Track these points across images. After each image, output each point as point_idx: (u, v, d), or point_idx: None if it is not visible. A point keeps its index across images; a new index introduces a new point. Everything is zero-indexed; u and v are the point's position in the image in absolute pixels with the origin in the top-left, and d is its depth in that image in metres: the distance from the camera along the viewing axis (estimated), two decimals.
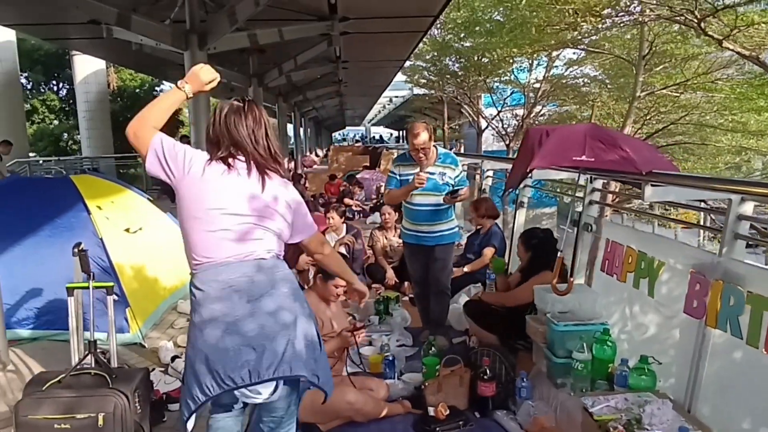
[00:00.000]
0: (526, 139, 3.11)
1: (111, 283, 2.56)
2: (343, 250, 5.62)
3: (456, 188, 3.79)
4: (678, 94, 13.65)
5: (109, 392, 2.09)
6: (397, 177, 3.90)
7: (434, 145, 3.85)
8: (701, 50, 12.79)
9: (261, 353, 1.78)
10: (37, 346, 4.08)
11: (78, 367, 2.21)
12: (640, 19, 11.04)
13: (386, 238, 5.76)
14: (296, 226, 2.05)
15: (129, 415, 2.09)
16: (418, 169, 3.73)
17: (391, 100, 43.20)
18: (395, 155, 4.58)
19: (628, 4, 10.69)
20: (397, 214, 5.60)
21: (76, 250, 2.52)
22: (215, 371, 1.77)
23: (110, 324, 2.57)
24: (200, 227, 1.88)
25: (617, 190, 10.98)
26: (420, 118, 39.18)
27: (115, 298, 2.58)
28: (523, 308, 3.44)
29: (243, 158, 1.93)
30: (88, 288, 2.44)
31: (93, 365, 2.22)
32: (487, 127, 21.53)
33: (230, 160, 1.91)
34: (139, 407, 2.17)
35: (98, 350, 2.32)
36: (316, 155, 29.18)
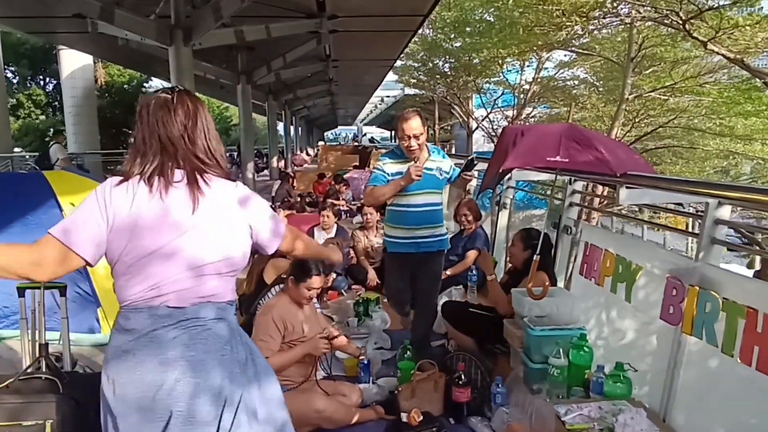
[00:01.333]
0: (501, 138, 3.06)
1: (63, 284, 2.47)
2: None
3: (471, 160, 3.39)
4: (666, 97, 13.71)
5: (58, 398, 1.99)
6: (385, 175, 3.33)
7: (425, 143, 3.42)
8: (690, 54, 12.87)
9: None
10: (4, 346, 3.97)
11: (28, 371, 2.11)
12: (627, 20, 11.07)
13: (367, 238, 5.69)
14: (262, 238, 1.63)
15: (80, 423, 2.00)
16: (411, 164, 3.25)
17: (382, 100, 43.13)
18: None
19: (616, 5, 10.70)
20: (378, 214, 5.52)
21: None
22: None
23: (63, 327, 2.48)
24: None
25: (605, 193, 10.99)
26: None
27: (67, 298, 2.48)
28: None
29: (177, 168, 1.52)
30: (39, 288, 2.34)
31: (44, 369, 2.13)
32: (477, 128, 21.55)
33: (158, 173, 1.49)
34: (91, 414, 2.08)
35: (53, 353, 2.22)
36: (307, 154, 29.09)
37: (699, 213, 3.30)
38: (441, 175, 3.41)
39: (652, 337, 2.65)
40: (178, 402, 1.44)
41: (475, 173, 6.50)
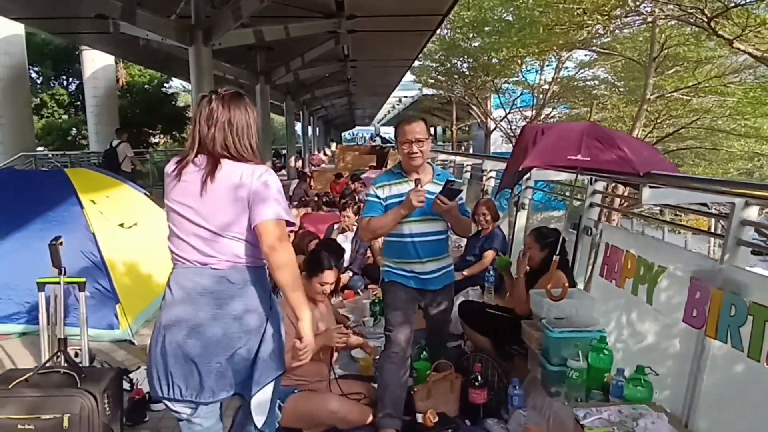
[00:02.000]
0: (521, 137, 3.01)
1: (83, 279, 2.49)
2: (348, 247, 5.52)
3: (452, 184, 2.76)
4: (689, 98, 13.47)
5: (76, 392, 2.01)
6: (381, 201, 2.83)
7: (428, 162, 2.93)
8: (714, 53, 12.61)
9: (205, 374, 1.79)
10: (26, 341, 4.03)
11: (47, 365, 2.14)
12: (650, 19, 10.89)
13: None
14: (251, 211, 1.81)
15: (96, 417, 2.01)
16: (411, 186, 2.75)
17: (400, 100, 43.10)
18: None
19: (638, 3, 10.53)
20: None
21: (49, 243, 2.46)
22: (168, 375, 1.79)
23: (82, 321, 2.50)
24: (173, 227, 1.88)
25: (626, 193, 10.82)
26: (429, 119, 39.14)
27: (88, 294, 2.51)
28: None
29: (204, 154, 1.84)
30: (59, 283, 2.37)
31: (63, 364, 2.15)
32: (495, 129, 21.42)
33: (195, 156, 1.85)
34: (108, 409, 2.09)
35: (71, 347, 2.24)
36: (325, 154, 29.18)
37: (723, 214, 3.22)
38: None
39: (674, 341, 2.59)
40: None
41: (493, 174, 6.51)
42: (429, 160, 2.93)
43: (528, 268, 3.32)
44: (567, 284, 2.87)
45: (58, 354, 2.18)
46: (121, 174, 10.95)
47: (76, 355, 2.49)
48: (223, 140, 1.81)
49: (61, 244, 2.47)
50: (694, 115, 14.40)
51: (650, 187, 2.32)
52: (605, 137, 2.62)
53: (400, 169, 2.90)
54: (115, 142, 10.73)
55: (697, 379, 2.30)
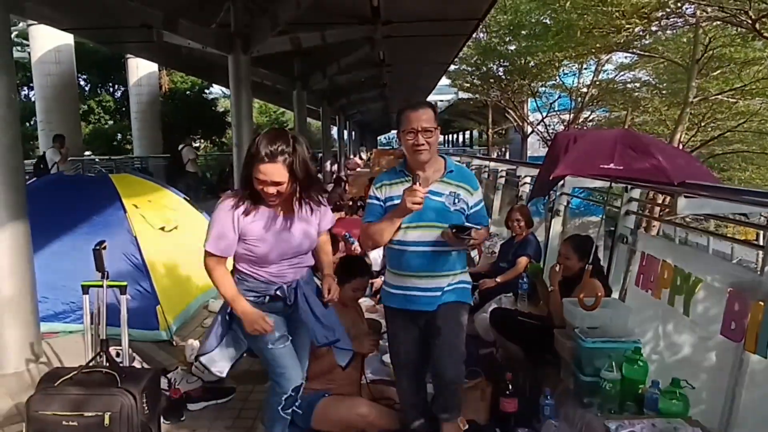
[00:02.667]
0: (553, 145, 2.98)
1: (124, 282, 2.60)
2: (381, 251, 5.54)
3: (468, 225, 2.31)
4: (735, 100, 13.00)
5: (116, 391, 2.10)
6: (381, 203, 2.46)
7: (441, 156, 2.48)
8: (762, 53, 12.15)
9: None
10: (72, 339, 4.19)
11: (90, 364, 2.24)
12: (691, 21, 10.58)
13: None
14: None
15: (136, 416, 2.10)
16: (409, 185, 2.30)
17: (435, 104, 42.93)
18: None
19: (680, 5, 10.25)
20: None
21: (93, 248, 2.57)
22: None
23: (123, 323, 2.61)
24: None
25: (666, 201, 10.52)
26: (465, 123, 38.88)
27: (128, 297, 2.61)
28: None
29: None
30: (102, 286, 2.48)
31: (105, 363, 2.25)
32: (532, 132, 21.16)
33: None
34: (146, 407, 2.18)
35: (113, 348, 2.34)
36: (360, 158, 29.34)
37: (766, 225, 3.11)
38: (454, 204, 2.40)
39: (711, 354, 2.52)
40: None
41: (528, 179, 6.44)
42: (444, 156, 2.51)
43: (562, 277, 3.27)
44: (602, 293, 2.82)
45: (101, 354, 2.28)
46: (187, 175, 11.63)
47: (117, 355, 2.59)
48: None
49: (104, 248, 2.58)
50: (741, 117, 13.89)
51: (685, 196, 2.27)
52: (639, 145, 2.57)
53: (403, 166, 2.47)
54: (181, 147, 11.48)
55: (735, 394, 2.24)
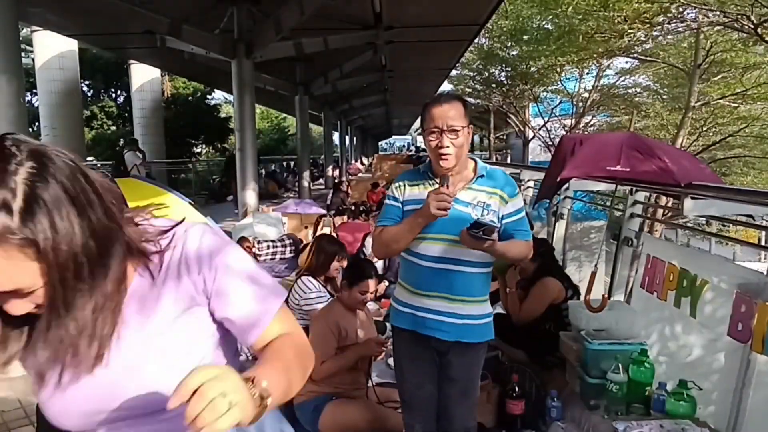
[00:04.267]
0: (559, 148, 3.01)
1: None
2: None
3: (486, 223, 1.90)
4: (737, 105, 13.03)
5: None
6: (399, 204, 2.13)
7: (471, 157, 2.12)
8: (764, 58, 12.18)
9: None
10: None
11: None
12: (693, 26, 10.62)
13: None
14: None
15: None
16: (435, 187, 2.00)
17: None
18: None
19: (681, 10, 10.31)
20: None
21: None
22: None
23: None
24: None
25: (669, 204, 10.54)
26: None
27: None
28: (539, 322, 3.33)
29: None
30: None
31: None
32: (533, 137, 21.20)
33: None
34: None
35: None
36: (362, 163, 29.42)
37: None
38: (483, 217, 2.01)
39: (719, 355, 2.53)
40: None
41: (531, 183, 6.46)
42: (475, 157, 2.14)
43: (519, 277, 3.41)
44: (560, 290, 3.10)
45: None
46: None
47: None
48: None
49: None
50: (742, 122, 13.92)
51: (692, 198, 2.29)
52: (645, 147, 2.59)
53: (428, 167, 2.13)
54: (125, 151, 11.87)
55: (742, 395, 2.25)
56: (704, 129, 14.30)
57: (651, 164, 2.46)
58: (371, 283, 3.01)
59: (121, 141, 20.33)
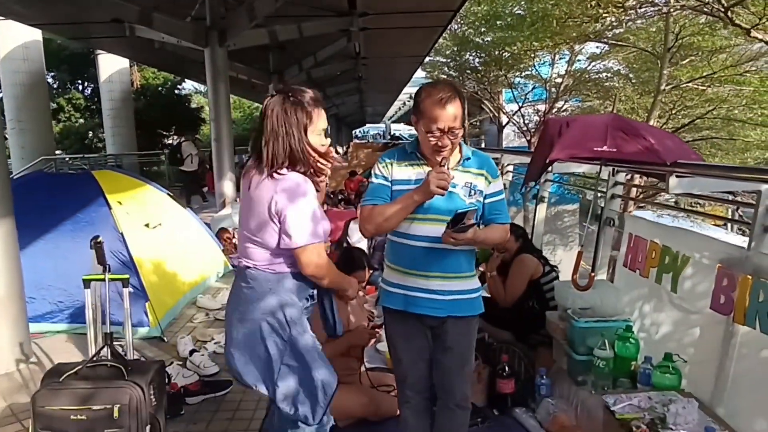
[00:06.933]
0: (546, 130, 3.04)
1: (126, 276, 2.58)
2: (364, 244, 5.59)
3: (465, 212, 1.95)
4: (705, 88, 13.32)
5: (124, 384, 2.09)
6: (388, 183, 2.13)
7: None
8: (729, 42, 12.46)
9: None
10: (60, 339, 4.14)
11: (94, 358, 2.22)
12: (665, 10, 10.79)
13: None
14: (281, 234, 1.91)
15: (144, 407, 2.09)
16: (426, 170, 2.04)
17: (411, 97, 42.94)
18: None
19: None
20: None
21: (92, 242, 2.54)
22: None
23: (126, 316, 2.59)
24: None
25: (643, 183, 10.76)
26: None
27: (131, 290, 2.59)
28: (522, 299, 3.42)
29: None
30: (104, 280, 2.46)
31: (109, 357, 2.24)
32: (507, 123, 21.36)
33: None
34: (154, 399, 2.18)
35: (115, 342, 2.33)
36: (337, 152, 29.25)
37: (748, 203, 3.24)
38: (470, 197, 2.09)
39: (701, 328, 2.62)
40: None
41: (510, 168, 6.51)
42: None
43: (500, 261, 3.53)
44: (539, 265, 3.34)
45: (105, 347, 2.27)
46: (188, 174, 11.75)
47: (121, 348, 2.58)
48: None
49: (102, 243, 2.56)
50: (710, 104, 14.23)
51: (677, 176, 2.35)
52: (629, 128, 2.65)
53: (415, 148, 2.13)
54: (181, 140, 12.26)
55: (726, 365, 2.33)
56: (674, 112, 14.59)
57: (637, 144, 2.51)
58: (363, 273, 3.03)
59: (90, 134, 19.85)
